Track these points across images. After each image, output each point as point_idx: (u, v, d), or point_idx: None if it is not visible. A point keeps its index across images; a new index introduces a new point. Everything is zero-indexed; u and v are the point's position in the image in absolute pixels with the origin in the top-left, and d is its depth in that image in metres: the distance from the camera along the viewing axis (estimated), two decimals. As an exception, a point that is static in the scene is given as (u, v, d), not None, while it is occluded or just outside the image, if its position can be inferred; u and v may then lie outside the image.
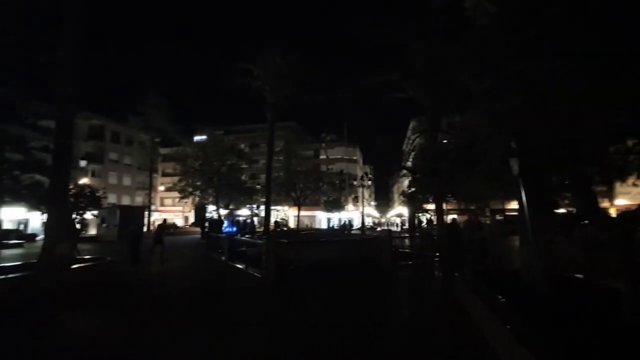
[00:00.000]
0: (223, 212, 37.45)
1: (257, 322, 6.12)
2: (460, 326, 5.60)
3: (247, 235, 18.43)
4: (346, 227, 34.34)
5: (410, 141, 17.40)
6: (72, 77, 9.56)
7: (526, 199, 5.86)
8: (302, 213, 38.94)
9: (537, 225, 5.85)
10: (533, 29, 3.75)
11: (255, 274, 10.57)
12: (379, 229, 45.85)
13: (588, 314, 4.51)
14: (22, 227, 32.08)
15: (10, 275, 7.88)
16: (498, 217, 30.88)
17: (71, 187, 12.96)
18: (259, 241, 11.90)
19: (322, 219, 44.67)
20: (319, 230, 38.82)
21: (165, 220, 26.61)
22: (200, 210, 39.93)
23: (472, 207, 26.09)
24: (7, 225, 27.84)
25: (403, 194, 24.82)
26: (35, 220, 31.25)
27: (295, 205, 38.60)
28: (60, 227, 8.97)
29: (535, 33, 3.77)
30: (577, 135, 3.92)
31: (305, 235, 26.06)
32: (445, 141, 15.59)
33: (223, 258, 13.94)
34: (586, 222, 8.95)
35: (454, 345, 4.94)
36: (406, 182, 25.81)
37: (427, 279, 10.71)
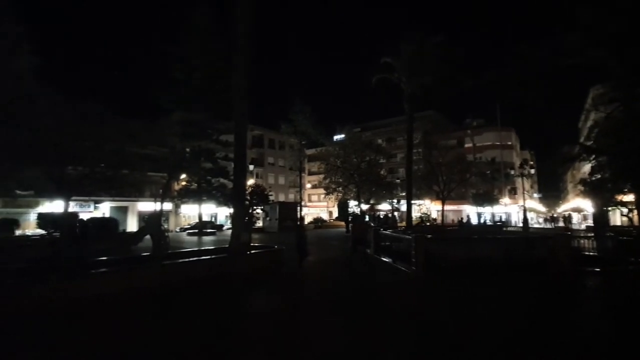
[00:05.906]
0: (364, 206, 38.66)
1: (413, 315, 6.13)
2: None
3: (389, 230, 18.39)
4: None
5: (594, 114, 13.69)
6: (244, 98, 11.60)
7: None
8: (447, 207, 36.08)
9: None
10: None
11: (403, 268, 10.47)
12: (549, 225, 38.05)
13: None
14: (213, 219, 41.26)
15: (213, 256, 10.40)
16: None
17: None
18: (407, 236, 11.70)
19: (471, 213, 40.30)
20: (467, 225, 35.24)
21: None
22: (343, 206, 42.38)
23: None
24: (204, 218, 36.39)
25: (583, 182, 19.68)
26: (222, 214, 39.82)
27: (438, 199, 36.27)
28: (242, 220, 11.11)
29: None
30: None
31: (453, 232, 24.13)
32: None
33: (368, 251, 14.34)
34: None
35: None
36: (587, 167, 20.56)
37: (630, 294, 8.17)
